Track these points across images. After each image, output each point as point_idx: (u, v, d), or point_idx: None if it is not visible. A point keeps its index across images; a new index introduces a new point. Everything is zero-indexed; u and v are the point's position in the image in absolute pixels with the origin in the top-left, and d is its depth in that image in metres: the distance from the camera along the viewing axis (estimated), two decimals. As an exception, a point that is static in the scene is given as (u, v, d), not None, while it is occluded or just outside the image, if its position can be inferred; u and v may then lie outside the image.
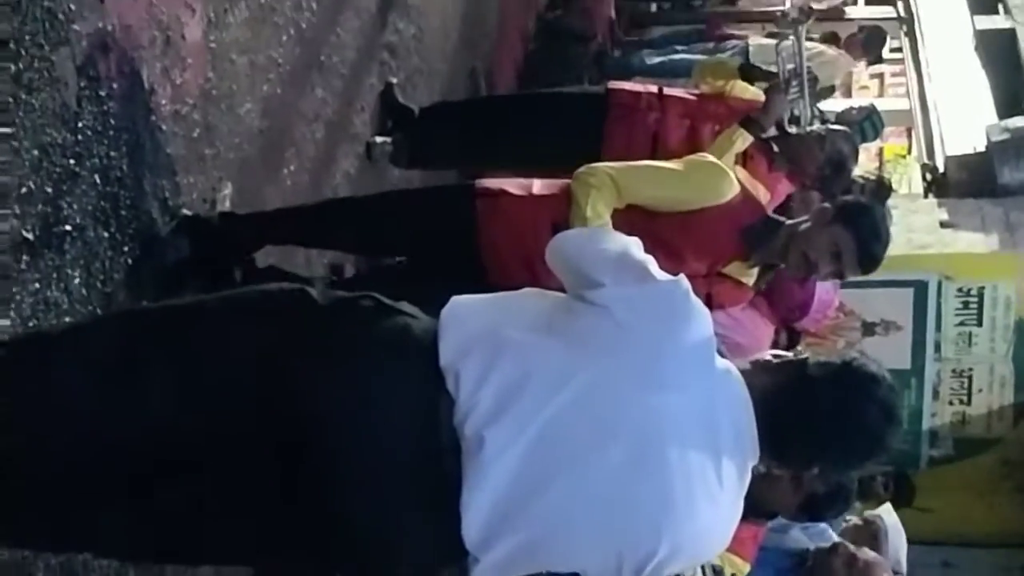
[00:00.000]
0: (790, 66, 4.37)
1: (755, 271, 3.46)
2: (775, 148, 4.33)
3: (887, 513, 4.60)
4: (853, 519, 4.46)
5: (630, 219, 3.01)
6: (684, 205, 3.32)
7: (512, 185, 3.50)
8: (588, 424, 2.02)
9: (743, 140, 4.16)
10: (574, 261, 2.25)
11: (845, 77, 7.42)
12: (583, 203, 3.22)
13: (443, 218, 3.46)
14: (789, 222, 3.41)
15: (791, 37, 4.59)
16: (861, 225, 3.29)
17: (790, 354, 2.26)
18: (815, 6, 6.85)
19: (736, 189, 3.40)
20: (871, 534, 4.32)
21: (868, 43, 7.27)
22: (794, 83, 4.33)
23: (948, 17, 7.92)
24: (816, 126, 4.44)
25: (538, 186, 3.51)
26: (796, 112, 4.43)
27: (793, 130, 4.32)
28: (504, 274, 3.17)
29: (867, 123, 6.57)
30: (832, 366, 2.17)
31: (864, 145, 6.13)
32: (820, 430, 2.14)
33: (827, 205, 3.38)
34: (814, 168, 4.30)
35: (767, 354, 2.27)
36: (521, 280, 2.46)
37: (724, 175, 3.41)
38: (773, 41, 6.94)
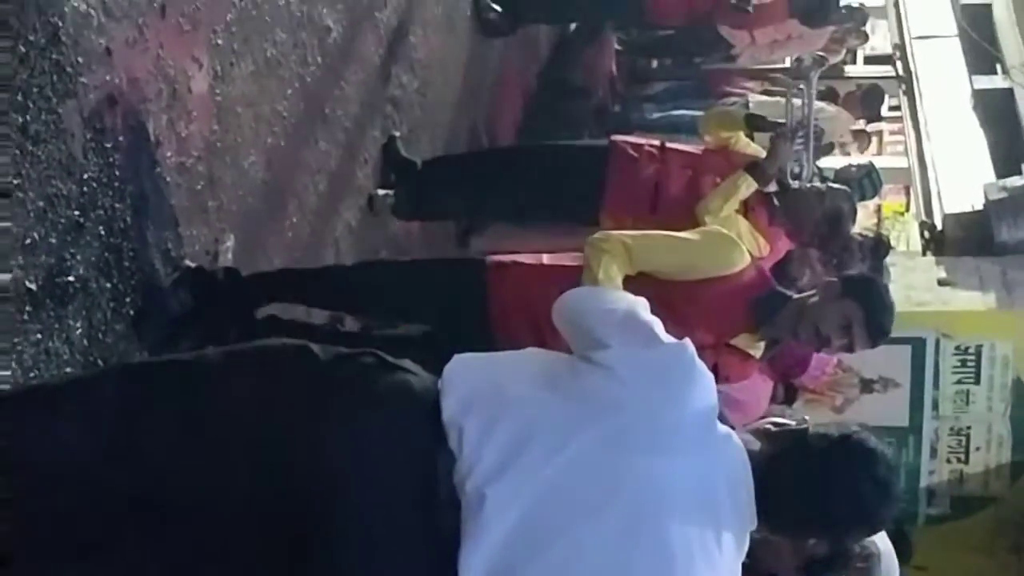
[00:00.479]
0: (798, 115, 4.40)
1: (762, 344, 3.48)
2: (775, 202, 4.36)
3: (881, 539, 4.58)
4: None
5: (640, 287, 3.04)
6: (695, 274, 3.35)
7: (524, 256, 3.55)
8: (587, 485, 2.02)
9: (747, 186, 4.18)
10: (580, 319, 2.25)
11: (844, 134, 7.47)
12: (595, 267, 3.24)
13: (454, 287, 3.50)
14: (797, 296, 3.43)
15: (800, 87, 4.63)
16: (870, 298, 3.32)
17: (792, 422, 2.26)
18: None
19: (747, 260, 3.43)
20: (864, 558, 4.30)
21: (866, 101, 7.34)
22: (800, 133, 4.36)
23: (946, 77, 7.97)
24: (816, 183, 4.47)
25: (549, 256, 3.55)
26: (797, 168, 4.46)
27: (794, 185, 4.34)
28: (513, 342, 3.20)
29: (866, 181, 6.61)
30: (830, 438, 2.17)
31: (863, 202, 6.17)
32: (816, 502, 2.14)
33: (834, 279, 3.41)
34: (812, 224, 4.32)
35: (767, 422, 2.28)
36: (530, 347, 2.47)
37: (735, 245, 3.44)
38: (772, 99, 7.03)
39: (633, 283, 3.20)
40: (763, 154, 4.41)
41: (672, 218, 4.36)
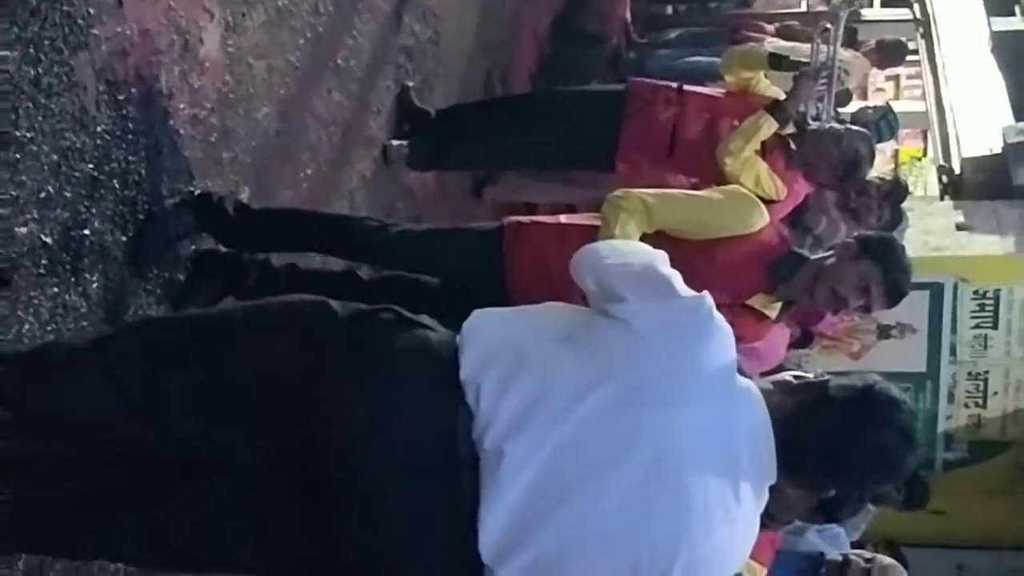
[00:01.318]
0: (821, 57, 4.35)
1: (778, 305, 3.47)
2: (792, 145, 4.33)
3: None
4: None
5: (657, 245, 3.03)
6: (713, 233, 3.34)
7: (541, 216, 3.55)
8: (605, 439, 2.02)
9: (768, 126, 4.14)
10: (597, 273, 2.24)
11: (861, 80, 7.40)
12: (613, 224, 3.23)
13: (472, 248, 3.50)
14: (814, 257, 3.42)
15: (828, 27, 4.58)
16: (887, 259, 3.30)
17: (811, 375, 2.25)
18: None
19: (765, 221, 3.42)
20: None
21: (888, 54, 7.26)
22: (824, 73, 4.32)
23: (964, 19, 7.89)
24: (834, 125, 4.43)
25: (567, 215, 3.56)
26: (816, 110, 4.42)
27: (813, 127, 4.31)
28: (529, 301, 3.20)
29: (883, 122, 6.56)
30: (852, 389, 2.15)
31: (880, 146, 6.13)
32: (838, 454, 2.13)
33: (851, 240, 3.39)
34: (829, 166, 4.29)
35: (788, 374, 2.26)
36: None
37: (755, 205, 3.43)
38: (789, 43, 6.96)
39: (650, 241, 3.19)
40: (783, 97, 4.38)
41: (689, 161, 4.35)
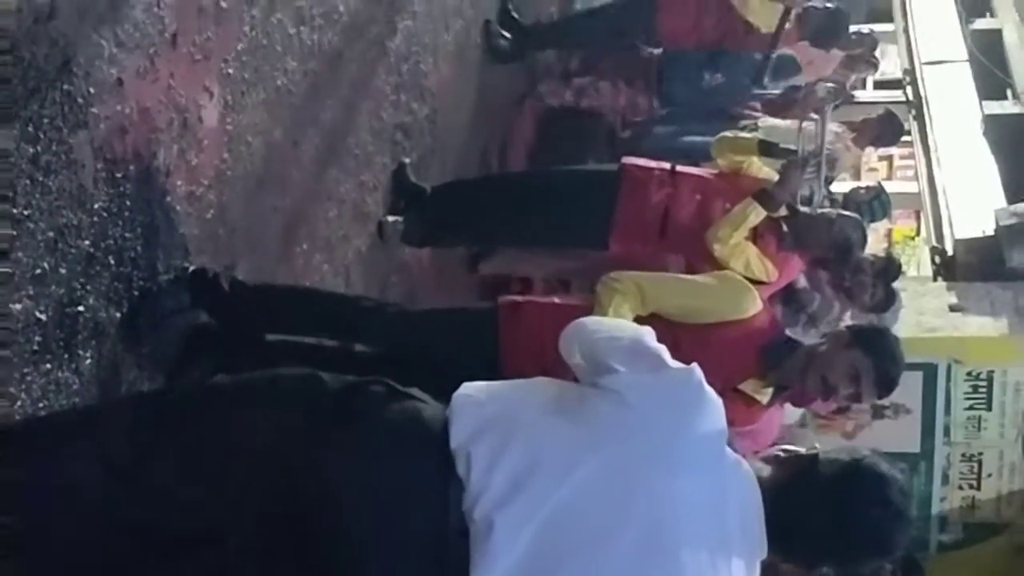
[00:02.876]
0: (810, 146, 4.39)
1: (770, 390, 3.47)
2: (784, 228, 4.35)
3: None
4: None
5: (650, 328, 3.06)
6: (706, 317, 3.37)
7: (536, 297, 3.59)
8: (598, 509, 2.02)
9: (756, 214, 4.17)
10: (587, 346, 2.26)
11: (854, 161, 7.45)
12: (607, 305, 3.27)
13: (466, 329, 3.52)
14: (807, 344, 3.43)
15: (814, 116, 4.63)
16: (878, 349, 3.32)
17: (801, 449, 2.26)
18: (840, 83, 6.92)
19: (758, 307, 3.44)
20: None
21: (884, 128, 7.31)
22: (812, 162, 4.36)
23: (957, 102, 7.96)
24: (827, 209, 4.45)
25: (561, 296, 3.62)
26: (808, 192, 4.45)
27: (805, 211, 4.34)
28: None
29: (875, 203, 6.59)
30: (841, 464, 2.16)
31: (873, 225, 6.16)
32: (829, 529, 2.13)
33: (843, 329, 3.42)
34: (821, 251, 4.32)
35: (777, 449, 2.27)
36: None
37: (748, 291, 3.45)
38: (785, 122, 7.01)
39: (643, 323, 3.20)
40: (775, 178, 4.41)
41: (681, 243, 4.37)
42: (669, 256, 4.41)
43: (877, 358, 3.29)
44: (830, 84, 5.81)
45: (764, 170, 4.53)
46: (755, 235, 4.24)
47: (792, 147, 4.45)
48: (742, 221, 4.16)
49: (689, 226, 4.39)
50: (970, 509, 6.53)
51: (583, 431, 2.08)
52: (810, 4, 6.48)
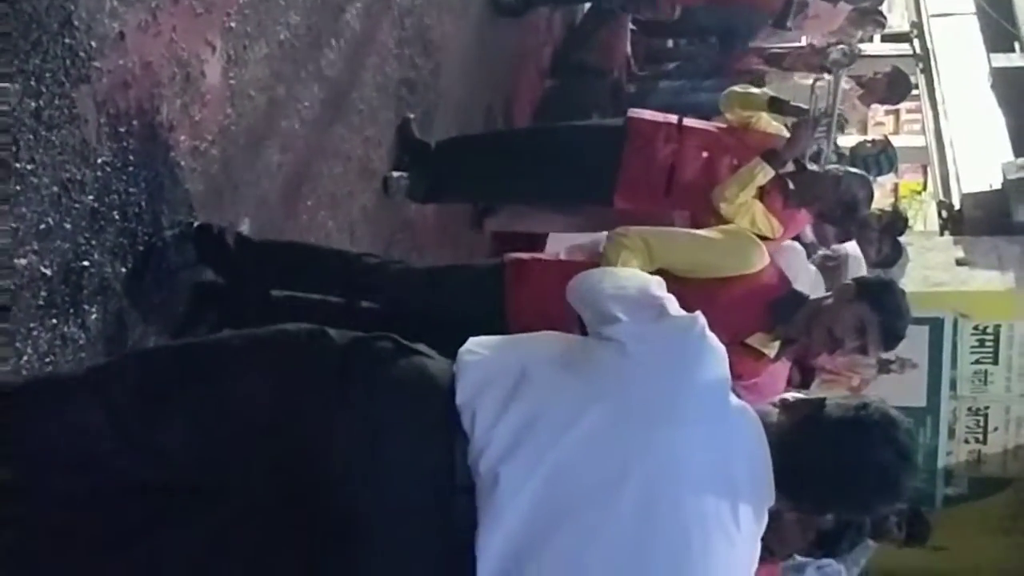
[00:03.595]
0: (821, 105, 4.36)
1: (777, 343, 3.47)
2: (790, 185, 4.33)
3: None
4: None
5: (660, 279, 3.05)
6: (714, 272, 3.36)
7: (542, 254, 3.57)
8: (602, 460, 2.01)
9: (764, 174, 4.17)
10: (592, 297, 2.26)
11: (861, 116, 7.42)
12: (614, 261, 3.26)
13: (471, 286, 3.50)
14: (814, 297, 3.43)
15: (827, 76, 4.60)
16: (885, 303, 3.31)
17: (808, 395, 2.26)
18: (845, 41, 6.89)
19: (766, 261, 3.43)
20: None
21: (892, 87, 7.28)
22: (823, 122, 4.33)
23: (964, 55, 7.92)
24: (834, 166, 4.43)
25: (566, 252, 3.58)
26: (815, 150, 4.42)
27: (812, 167, 4.31)
28: None
29: (882, 156, 6.59)
30: (848, 408, 2.15)
31: (880, 180, 6.14)
32: (837, 474, 2.12)
33: (850, 282, 3.41)
34: (827, 208, 4.30)
35: (785, 395, 2.27)
36: None
37: (756, 246, 3.44)
38: (793, 77, 6.98)
39: None
40: (784, 132, 4.39)
41: (687, 201, 4.36)
42: (675, 212, 4.40)
43: (883, 311, 3.29)
44: (843, 47, 5.77)
45: (773, 124, 4.51)
46: (761, 192, 4.22)
47: (803, 105, 4.42)
48: (749, 181, 4.15)
49: (695, 183, 4.37)
50: (976, 463, 6.55)
51: (586, 383, 2.08)
52: None
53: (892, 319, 3.31)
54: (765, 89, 4.78)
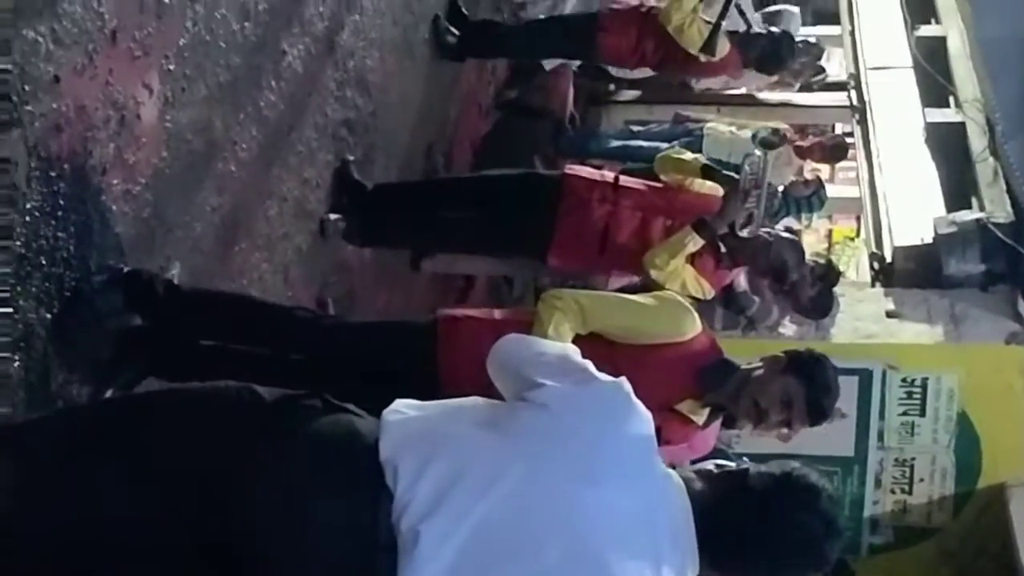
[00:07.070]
0: (751, 177, 4.39)
1: (706, 410, 3.48)
2: (722, 248, 4.38)
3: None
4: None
5: (590, 347, 3.05)
6: (646, 337, 3.36)
7: (475, 311, 3.55)
8: (523, 519, 2.01)
9: (694, 243, 4.22)
10: (514, 364, 2.27)
11: (796, 171, 7.53)
12: (547, 323, 3.27)
13: (404, 343, 3.47)
14: (744, 367, 3.43)
15: (757, 152, 4.66)
16: (813, 377, 3.32)
17: (732, 464, 2.27)
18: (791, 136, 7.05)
19: (698, 328, 3.44)
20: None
21: (831, 154, 7.44)
22: (753, 194, 4.36)
23: (900, 108, 8.02)
24: (764, 232, 4.47)
25: (500, 312, 3.57)
26: (747, 217, 4.46)
27: (743, 233, 4.35)
28: (461, 395, 3.19)
29: (814, 197, 6.74)
30: (771, 477, 2.17)
31: (814, 224, 6.25)
32: (761, 543, 2.14)
33: (780, 354, 3.40)
34: (758, 273, 4.35)
35: (710, 464, 2.28)
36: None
37: (688, 313, 3.45)
38: (729, 129, 7.07)
39: (581, 343, 3.20)
40: (718, 193, 4.43)
41: (619, 261, 4.41)
42: (608, 269, 4.44)
43: (810, 386, 3.29)
44: (772, 126, 5.90)
45: (706, 185, 4.55)
46: (692, 256, 4.27)
47: (735, 175, 4.45)
48: (680, 249, 4.22)
49: (628, 245, 4.43)
50: (901, 513, 6.60)
51: (510, 441, 2.09)
52: (753, 30, 6.52)
53: (819, 394, 3.31)
54: (698, 156, 4.80)
